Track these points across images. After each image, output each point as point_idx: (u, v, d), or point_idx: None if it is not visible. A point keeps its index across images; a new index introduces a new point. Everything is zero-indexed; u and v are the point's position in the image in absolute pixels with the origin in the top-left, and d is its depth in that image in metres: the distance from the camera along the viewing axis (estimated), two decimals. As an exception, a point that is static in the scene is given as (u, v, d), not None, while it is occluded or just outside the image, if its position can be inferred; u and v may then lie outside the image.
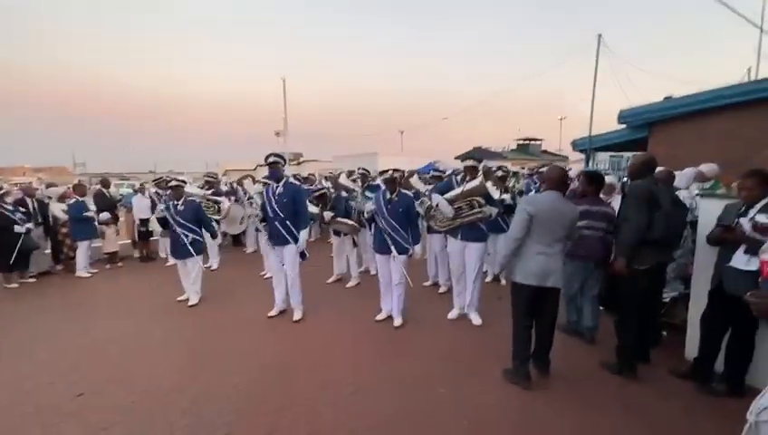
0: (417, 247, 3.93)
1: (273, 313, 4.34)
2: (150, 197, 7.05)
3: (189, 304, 4.74)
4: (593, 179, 3.60)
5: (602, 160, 11.80)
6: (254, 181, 6.54)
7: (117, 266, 6.88)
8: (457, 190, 3.90)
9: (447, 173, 6.84)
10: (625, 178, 5.35)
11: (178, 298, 4.88)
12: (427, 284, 5.29)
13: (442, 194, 3.94)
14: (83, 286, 5.90)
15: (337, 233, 5.52)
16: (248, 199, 6.27)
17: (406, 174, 6.84)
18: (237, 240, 8.28)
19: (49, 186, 7.17)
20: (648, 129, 7.36)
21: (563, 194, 2.81)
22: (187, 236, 4.63)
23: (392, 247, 3.84)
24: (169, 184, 4.95)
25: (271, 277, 5.61)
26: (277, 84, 23.64)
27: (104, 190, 7.13)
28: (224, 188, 7.76)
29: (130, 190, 11.08)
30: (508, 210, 4.64)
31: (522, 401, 2.68)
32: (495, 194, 3.92)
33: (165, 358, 3.48)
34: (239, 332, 3.99)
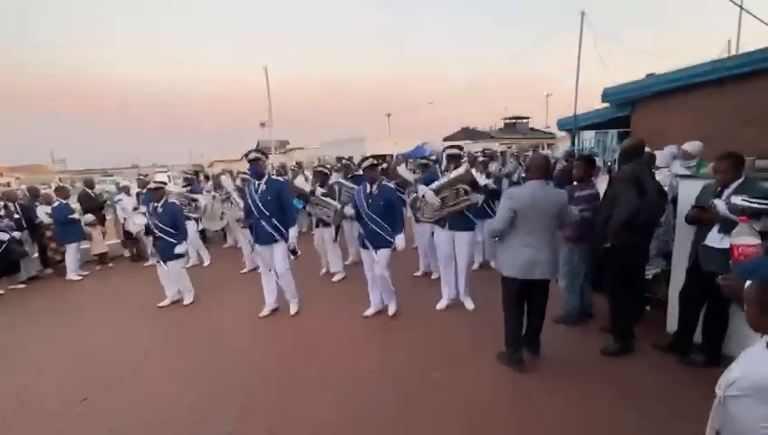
0: (400, 238, 3.78)
1: (264, 313, 4.26)
2: (136, 196, 6.95)
3: (185, 302, 4.72)
4: (591, 164, 3.62)
5: (588, 138, 11.93)
6: (232, 177, 6.46)
7: (108, 267, 6.83)
8: (443, 180, 3.84)
9: (433, 158, 6.85)
10: (609, 162, 5.47)
11: (159, 304, 4.72)
12: (418, 274, 5.28)
13: (427, 185, 3.89)
14: (75, 290, 5.87)
15: (318, 224, 5.34)
16: (225, 196, 6.13)
17: (393, 162, 6.82)
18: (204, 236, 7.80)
19: (31, 190, 7.00)
20: (630, 106, 7.44)
21: (547, 181, 2.82)
22: (164, 241, 4.51)
23: (368, 244, 3.77)
24: (148, 186, 4.83)
25: (248, 271, 5.80)
26: (261, 73, 23.10)
27: (88, 191, 7.00)
28: (203, 185, 7.58)
29: (114, 187, 10.89)
30: (492, 195, 4.66)
31: (515, 382, 2.80)
32: (482, 180, 3.93)
33: (163, 358, 3.53)
34: (234, 329, 4.04)
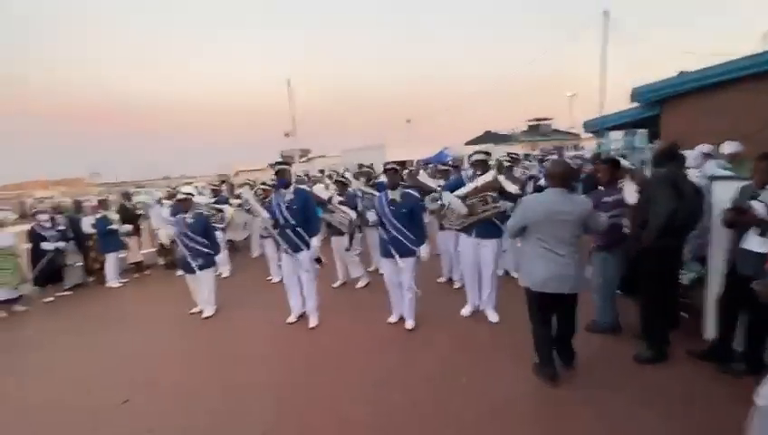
0: (424, 248, 3.74)
1: (291, 319, 4.30)
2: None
3: (204, 316, 4.74)
4: (616, 167, 3.46)
5: (616, 139, 11.59)
6: (252, 188, 6.52)
7: (145, 275, 7.18)
8: (470, 186, 3.71)
9: (451, 163, 6.70)
10: (634, 165, 5.30)
11: (190, 311, 4.87)
12: (442, 280, 5.22)
13: (452, 191, 3.78)
14: (115, 296, 6.21)
15: (333, 233, 5.28)
16: (247, 207, 6.06)
17: (413, 168, 6.79)
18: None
19: (75, 203, 7.46)
20: (659, 106, 7.22)
21: (569, 189, 2.65)
22: (196, 251, 4.57)
23: (394, 253, 3.71)
24: (177, 198, 4.90)
25: (277, 281, 5.71)
26: (283, 85, 23.77)
27: (125, 203, 7.41)
28: (226, 195, 7.75)
29: (149, 198, 11.43)
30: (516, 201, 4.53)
31: (544, 389, 2.76)
32: (510, 187, 3.76)
33: (195, 363, 3.67)
34: (259, 337, 4.14)
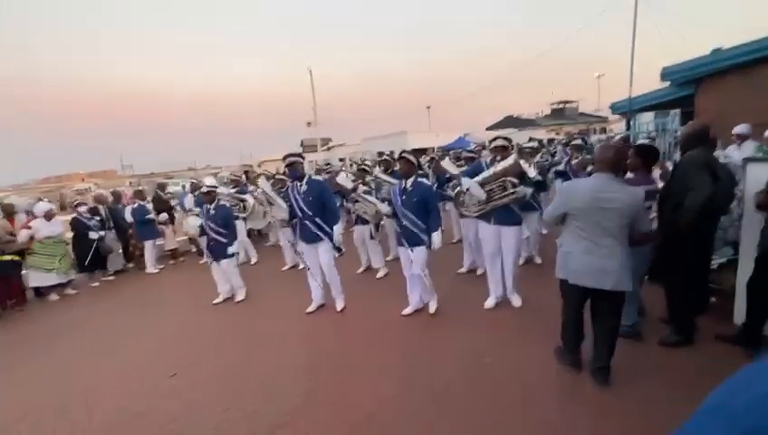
0: (436, 236, 3.66)
1: (311, 308, 4.35)
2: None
3: (237, 299, 4.98)
4: (649, 154, 3.13)
5: (646, 122, 11.17)
6: (268, 179, 6.47)
7: (180, 262, 7.58)
8: (489, 172, 3.64)
9: (474, 148, 6.58)
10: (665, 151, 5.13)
11: (214, 301, 5.00)
12: (462, 270, 5.13)
13: (472, 177, 3.71)
14: (154, 281, 6.63)
15: (357, 221, 5.39)
16: (265, 197, 6.16)
17: (436, 155, 6.75)
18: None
19: (115, 193, 7.88)
20: (694, 85, 6.91)
21: (618, 175, 2.39)
22: (217, 241, 4.73)
23: (405, 241, 3.74)
24: (201, 190, 5.06)
25: (287, 269, 6.07)
26: (305, 74, 23.87)
27: (160, 193, 7.80)
28: (251, 187, 7.72)
29: (179, 189, 11.96)
30: (537, 187, 4.39)
31: (569, 372, 2.78)
32: (531, 172, 3.70)
33: (232, 345, 3.88)
34: (288, 321, 4.27)
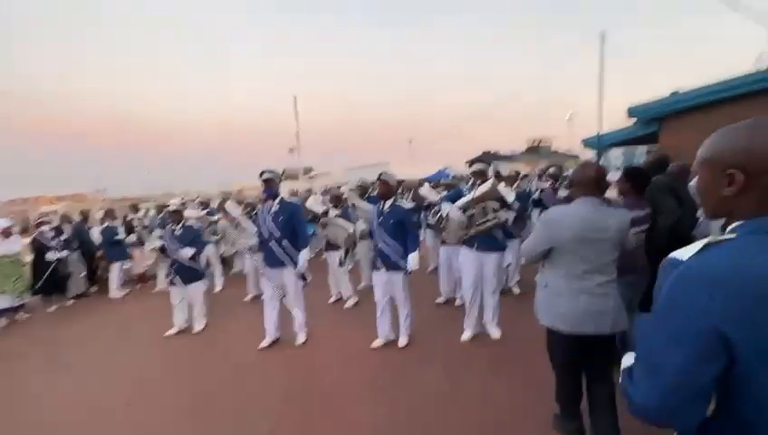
0: (412, 258, 3.49)
1: (264, 344, 3.92)
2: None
3: (195, 330, 4.55)
4: (643, 178, 2.86)
5: (615, 157, 11.78)
6: (239, 203, 6.23)
7: (146, 285, 7.18)
8: (468, 197, 3.62)
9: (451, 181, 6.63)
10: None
11: (166, 333, 4.54)
12: (440, 300, 4.83)
13: (453, 202, 3.67)
14: (115, 308, 6.12)
15: (328, 248, 5.11)
16: (235, 223, 5.61)
17: (417, 182, 6.82)
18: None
19: (83, 213, 7.52)
20: (657, 123, 7.40)
21: (600, 198, 2.05)
22: (182, 264, 4.40)
23: (380, 264, 3.60)
24: (168, 208, 4.71)
25: (249, 299, 5.51)
26: (286, 103, 24.29)
27: (132, 215, 7.51)
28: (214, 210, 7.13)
29: (152, 213, 11.56)
30: (517, 218, 4.17)
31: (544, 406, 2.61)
32: (510, 196, 3.64)
33: (192, 379, 3.52)
34: (246, 357, 3.82)
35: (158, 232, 5.00)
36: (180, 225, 4.54)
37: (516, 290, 5.03)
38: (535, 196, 5.86)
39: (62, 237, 6.35)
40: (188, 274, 4.49)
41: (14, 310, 5.65)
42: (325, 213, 4.90)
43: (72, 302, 6.39)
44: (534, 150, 42.01)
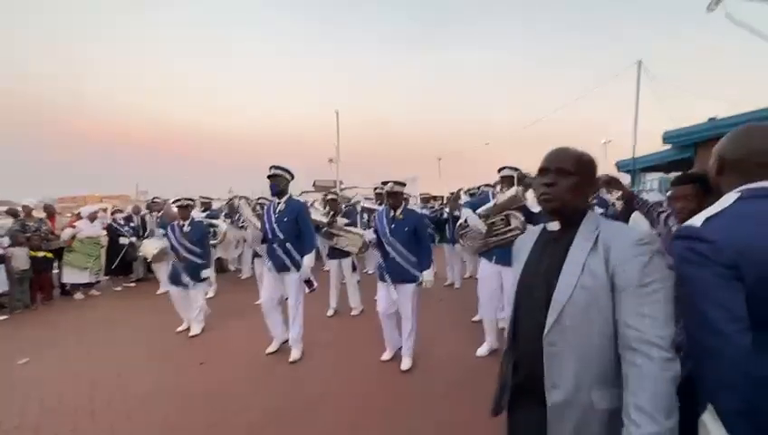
0: (428, 274, 3.24)
1: (271, 348, 3.69)
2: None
3: (191, 334, 4.30)
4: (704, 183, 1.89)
5: (651, 180, 11.75)
6: (249, 202, 5.82)
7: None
8: (490, 203, 3.37)
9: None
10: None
11: (177, 329, 4.45)
12: (476, 319, 4.21)
13: (476, 208, 3.43)
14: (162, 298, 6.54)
15: (334, 256, 4.83)
16: (242, 223, 5.66)
17: (456, 191, 6.76)
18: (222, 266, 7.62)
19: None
20: (693, 148, 7.49)
21: None
22: (190, 262, 4.23)
23: (387, 277, 3.24)
24: (177, 204, 4.45)
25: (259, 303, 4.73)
26: (326, 116, 25.28)
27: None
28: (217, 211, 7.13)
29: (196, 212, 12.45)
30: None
31: None
32: (536, 207, 3.17)
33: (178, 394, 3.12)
34: (238, 368, 3.48)
35: (160, 231, 5.00)
36: (189, 220, 4.38)
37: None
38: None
39: (132, 224, 7.17)
40: (191, 273, 4.26)
41: (90, 286, 6.44)
42: (331, 222, 4.67)
43: (134, 284, 7.14)
44: (566, 173, 41.31)
